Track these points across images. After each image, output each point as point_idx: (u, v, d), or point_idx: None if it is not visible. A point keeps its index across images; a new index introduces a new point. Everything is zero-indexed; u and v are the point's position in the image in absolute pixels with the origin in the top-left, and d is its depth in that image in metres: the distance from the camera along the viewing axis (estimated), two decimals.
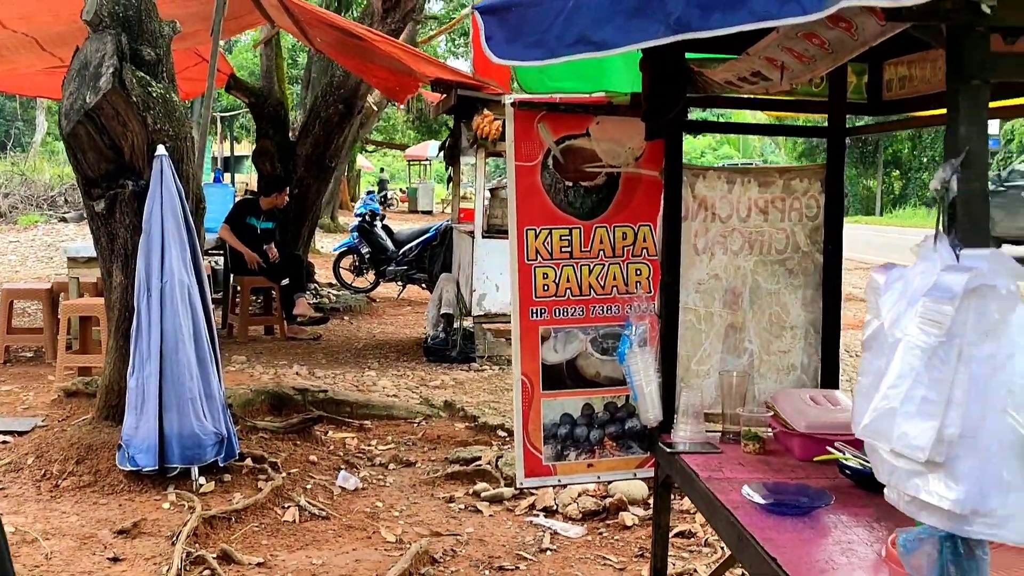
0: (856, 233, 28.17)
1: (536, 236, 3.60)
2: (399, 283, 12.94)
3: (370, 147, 40.89)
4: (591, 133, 3.59)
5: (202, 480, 5.69)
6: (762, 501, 2.81)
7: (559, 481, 3.72)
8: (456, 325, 9.16)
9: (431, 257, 11.58)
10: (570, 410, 3.67)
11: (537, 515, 5.76)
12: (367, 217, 13.32)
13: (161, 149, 5.70)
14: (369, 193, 15.84)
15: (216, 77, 10.85)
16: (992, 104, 2.82)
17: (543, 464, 3.65)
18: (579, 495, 5.98)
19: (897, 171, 47.06)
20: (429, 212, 33.08)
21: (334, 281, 13.75)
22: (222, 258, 10.44)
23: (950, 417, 1.59)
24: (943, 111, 3.44)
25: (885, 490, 1.78)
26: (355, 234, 13.51)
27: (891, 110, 3.58)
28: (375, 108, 18.26)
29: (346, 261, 13.83)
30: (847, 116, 3.62)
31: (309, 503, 5.66)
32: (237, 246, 9.84)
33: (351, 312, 11.94)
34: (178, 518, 5.23)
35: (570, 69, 3.46)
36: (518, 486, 3.73)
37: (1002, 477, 1.57)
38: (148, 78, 5.78)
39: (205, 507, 5.34)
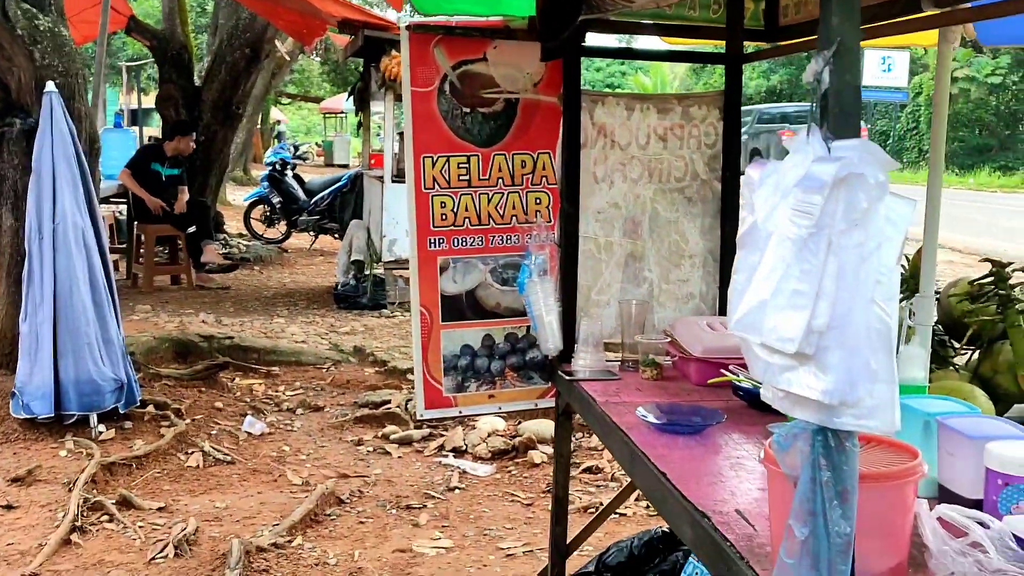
0: None
1: (433, 164, 3.53)
2: (311, 233, 12.75)
3: (285, 100, 40.10)
4: (489, 58, 3.52)
5: (102, 427, 5.56)
6: (655, 421, 2.82)
7: (460, 412, 3.69)
8: (367, 272, 9.06)
9: (342, 205, 11.41)
10: (470, 341, 3.63)
11: (446, 455, 5.75)
12: (277, 166, 13.06)
13: (50, 85, 5.47)
14: (280, 142, 15.51)
15: (115, 19, 10.49)
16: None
17: (443, 396, 3.61)
18: (488, 435, 5.99)
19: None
20: (345, 166, 32.66)
21: (245, 232, 13.48)
22: (126, 206, 10.15)
23: (819, 308, 1.58)
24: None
25: (761, 390, 1.78)
26: (265, 184, 13.25)
27: (788, 35, 3.57)
28: (287, 58, 17.89)
29: (257, 212, 13.56)
30: (744, 42, 3.61)
31: (214, 448, 5.57)
32: (138, 192, 9.55)
33: (262, 262, 11.74)
34: (76, 465, 5.10)
35: None
36: (418, 417, 3.69)
37: (869, 367, 1.57)
38: (34, 10, 5.54)
39: (104, 454, 5.22)
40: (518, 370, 3.69)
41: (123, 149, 10.55)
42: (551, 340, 3.47)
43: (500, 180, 3.59)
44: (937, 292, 3.65)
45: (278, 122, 36.59)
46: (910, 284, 3.53)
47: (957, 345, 3.60)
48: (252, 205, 13.63)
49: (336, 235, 11.99)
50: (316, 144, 40.74)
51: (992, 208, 21.75)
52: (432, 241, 3.56)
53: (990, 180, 31.07)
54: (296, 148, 19.18)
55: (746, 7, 3.59)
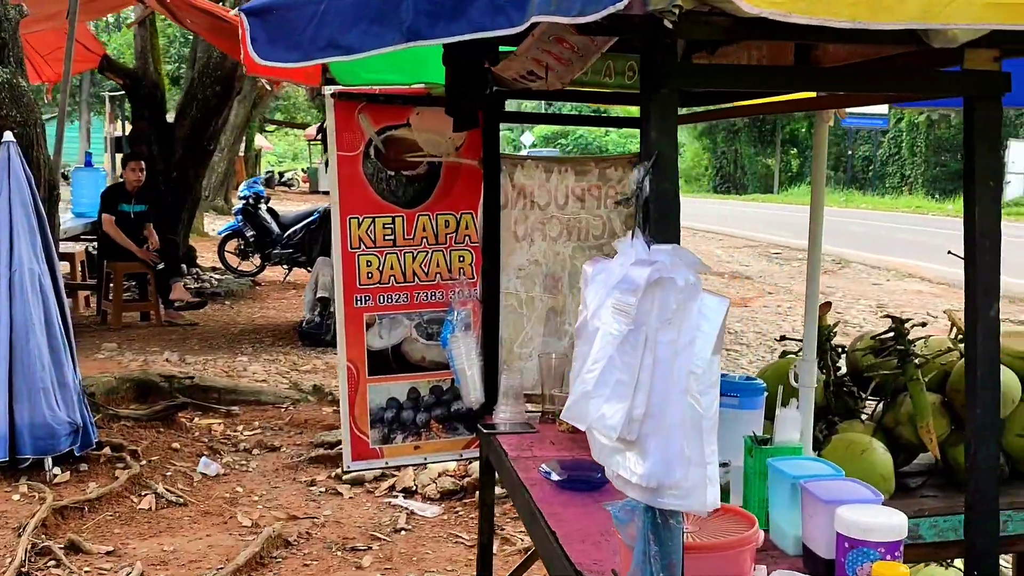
0: (753, 211, 28.92)
1: (359, 225, 3.68)
2: (284, 266, 12.87)
3: (270, 127, 40.28)
4: (412, 123, 3.68)
5: (57, 470, 5.66)
6: (556, 478, 2.94)
7: (386, 464, 3.83)
8: (332, 309, 9.17)
9: (311, 241, 11.55)
10: (396, 394, 3.76)
11: (396, 496, 5.86)
12: (251, 200, 13.20)
13: (8, 136, 5.61)
14: (254, 178, 15.67)
15: (88, 57, 10.65)
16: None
17: (370, 448, 3.74)
18: (439, 475, 6.10)
19: (795, 149, 48.21)
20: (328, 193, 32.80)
21: (219, 265, 13.60)
22: (97, 244, 10.27)
23: (638, 398, 1.72)
24: (745, 103, 3.63)
25: (605, 467, 1.92)
26: (239, 217, 13.38)
27: (698, 101, 3.74)
28: (269, 88, 18.05)
29: (231, 245, 13.69)
30: None
31: (167, 490, 5.67)
32: (124, 242, 9.66)
33: (233, 297, 11.85)
34: (28, 509, 5.20)
35: (387, 62, 3.53)
36: (344, 469, 3.83)
37: (684, 453, 1.71)
38: None
39: (57, 497, 5.32)
40: (443, 422, 3.82)
41: (93, 187, 10.69)
42: (473, 392, 3.61)
43: (424, 239, 3.74)
44: (843, 347, 3.80)
45: (261, 149, 36.70)
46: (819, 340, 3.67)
47: (864, 396, 3.74)
48: (226, 238, 13.75)
49: (308, 268, 12.11)
50: (302, 171, 40.92)
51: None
52: (358, 298, 3.71)
53: None
54: (280, 176, 19.32)
55: None
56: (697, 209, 28.82)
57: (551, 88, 2.63)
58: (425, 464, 5.48)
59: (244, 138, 27.79)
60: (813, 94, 2.99)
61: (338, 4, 2.07)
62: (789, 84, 2.29)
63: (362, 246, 3.69)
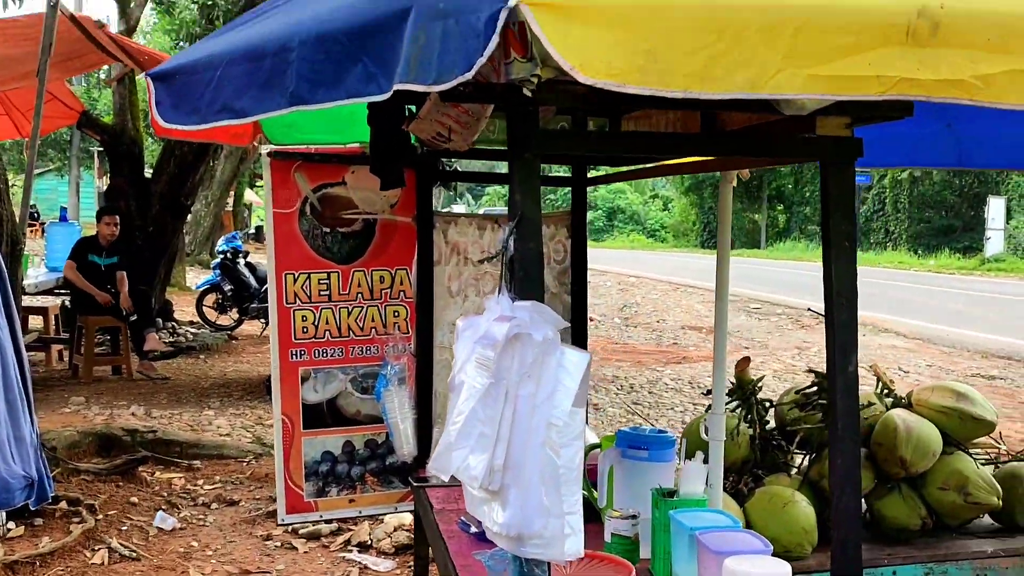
0: (738, 266, 29.08)
1: (295, 280, 3.75)
2: (261, 321, 12.92)
3: (260, 182, 40.58)
4: (347, 181, 3.77)
5: (11, 524, 5.65)
6: (474, 530, 2.99)
7: (321, 517, 3.86)
8: None
9: None
10: (331, 448, 3.81)
11: (351, 551, 5.86)
12: (229, 254, 13.29)
13: None
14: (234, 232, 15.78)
15: (67, 114, 10.79)
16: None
17: (304, 500, 3.78)
18: (395, 529, 6.10)
19: (781, 205, 48.56)
20: None
21: (197, 319, 13.65)
22: (70, 298, 10.32)
23: (499, 450, 1.79)
24: (672, 161, 3.73)
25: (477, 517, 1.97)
26: (217, 271, 13.46)
27: (629, 160, 3.84)
28: (256, 144, 18.17)
29: (209, 299, 13.75)
30: (588, 166, 3.87)
31: (121, 544, 5.66)
32: (83, 286, 9.74)
33: (208, 351, 11.88)
34: None
35: (321, 122, 3.63)
36: (279, 523, 3.85)
37: (543, 503, 1.77)
38: None
39: (9, 552, 5.30)
40: (378, 475, 3.87)
41: (68, 242, 10.76)
42: (405, 446, 3.66)
43: (359, 295, 3.82)
44: (771, 401, 3.86)
45: (251, 203, 36.93)
46: (738, 394, 3.74)
47: (791, 450, 3.80)
48: (204, 292, 13.82)
49: None
50: None
51: (946, 292, 22.13)
52: (294, 353, 3.77)
53: (950, 262, 31.56)
54: (259, 230, 19.30)
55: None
56: (683, 264, 29.00)
57: (461, 148, 2.72)
58: (361, 517, 5.50)
59: (233, 192, 27.98)
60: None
61: (231, 71, 2.16)
62: (647, 149, 2.39)
63: (297, 301, 3.76)
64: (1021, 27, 1.63)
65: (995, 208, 31.59)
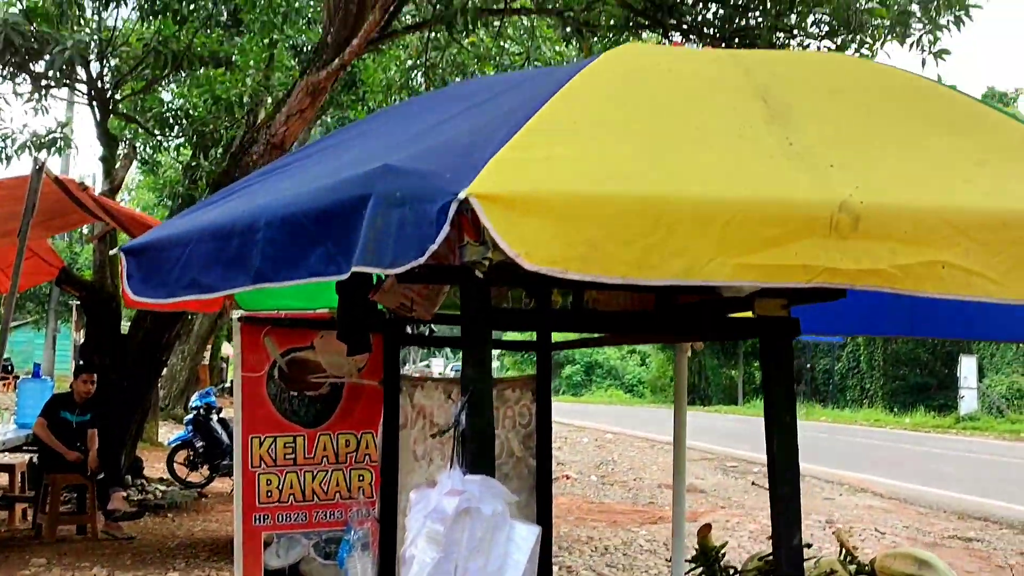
0: (715, 423, 29.03)
1: (261, 444, 3.78)
2: (233, 478, 12.73)
3: None
4: (316, 346, 3.84)
5: None
6: None
7: None
8: None
9: None
10: None
11: None
12: (202, 411, 13.19)
13: None
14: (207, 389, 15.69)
15: (46, 270, 10.90)
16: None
17: None
18: None
19: (757, 362, 48.84)
20: None
21: (167, 476, 13.43)
22: (37, 455, 10.17)
23: None
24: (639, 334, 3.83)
25: None
26: (189, 428, 13.32)
27: (591, 327, 3.93)
28: (230, 304, 18.30)
29: (181, 455, 13.55)
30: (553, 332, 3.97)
31: None
32: (53, 444, 9.62)
33: (177, 509, 11.65)
34: None
35: (291, 288, 3.72)
36: None
37: None
38: None
39: None
40: None
41: (40, 398, 10.68)
42: None
43: (325, 458, 3.84)
44: (736, 568, 3.86)
45: (228, 357, 36.81)
46: (700, 560, 3.74)
47: None
48: (176, 449, 13.64)
49: None
50: None
51: (922, 451, 22.13)
52: (257, 517, 3.76)
53: (926, 420, 31.65)
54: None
55: (555, 301, 3.96)
56: (660, 419, 28.92)
57: (425, 318, 2.81)
58: None
59: (210, 346, 27.93)
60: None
61: (200, 248, 2.27)
62: (600, 328, 2.49)
63: (263, 465, 3.78)
64: (934, 221, 1.75)
65: (967, 367, 31.90)
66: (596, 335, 3.86)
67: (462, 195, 1.68)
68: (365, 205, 1.87)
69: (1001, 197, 1.83)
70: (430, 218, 1.72)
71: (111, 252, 4.23)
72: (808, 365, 42.16)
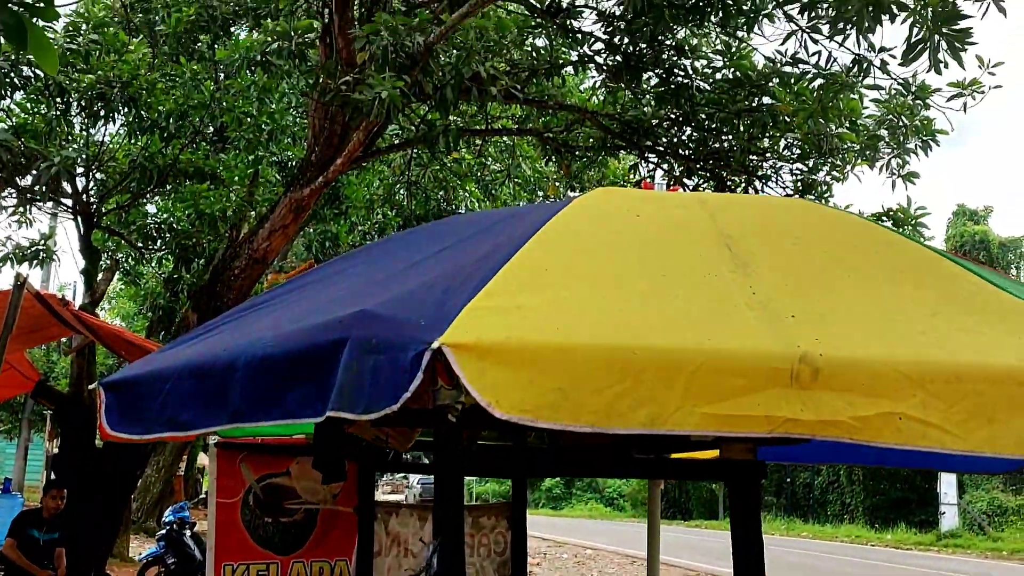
0: (695, 538, 28.69)
1: (233, 571, 3.74)
2: None
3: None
4: (292, 472, 3.84)
5: None
6: None
7: None
8: None
9: None
10: None
11: None
12: (175, 526, 12.94)
13: None
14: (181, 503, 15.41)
15: (22, 383, 10.83)
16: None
17: None
18: None
19: None
20: None
21: None
22: (4, 573, 9.94)
23: None
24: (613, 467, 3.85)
25: None
26: (162, 544, 13.05)
27: (565, 469, 3.94)
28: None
29: (151, 572, 13.25)
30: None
31: None
32: (24, 565, 9.41)
33: None
34: None
35: None
36: None
37: None
38: None
39: None
40: None
41: (8, 514, 10.51)
42: None
43: None
44: None
45: (204, 467, 36.25)
46: None
47: None
48: (147, 565, 13.33)
49: None
50: None
51: (905, 570, 21.89)
52: None
53: (907, 536, 31.34)
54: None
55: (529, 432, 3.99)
56: (641, 535, 28.54)
57: (401, 450, 2.84)
58: None
59: (186, 457, 27.53)
60: None
61: (179, 386, 2.30)
62: (573, 472, 2.51)
63: None
64: (891, 373, 1.82)
65: (947, 482, 31.76)
66: (571, 465, 3.87)
67: (435, 344, 1.74)
68: (341, 350, 1.92)
69: (954, 349, 1.90)
70: (404, 366, 1.77)
71: (90, 386, 4.24)
72: (788, 479, 41.91)
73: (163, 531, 13.31)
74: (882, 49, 7.27)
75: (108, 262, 14.17)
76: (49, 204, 13.39)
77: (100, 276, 12.73)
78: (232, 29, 11.41)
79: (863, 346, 1.88)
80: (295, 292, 2.64)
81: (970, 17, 6.26)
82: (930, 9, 6.34)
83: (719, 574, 19.56)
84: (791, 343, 1.84)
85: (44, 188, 10.84)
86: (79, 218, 12.12)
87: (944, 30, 6.30)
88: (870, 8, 6.29)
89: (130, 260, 15.18)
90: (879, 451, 4.12)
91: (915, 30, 6.46)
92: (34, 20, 2.62)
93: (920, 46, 6.43)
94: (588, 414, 1.75)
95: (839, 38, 7.24)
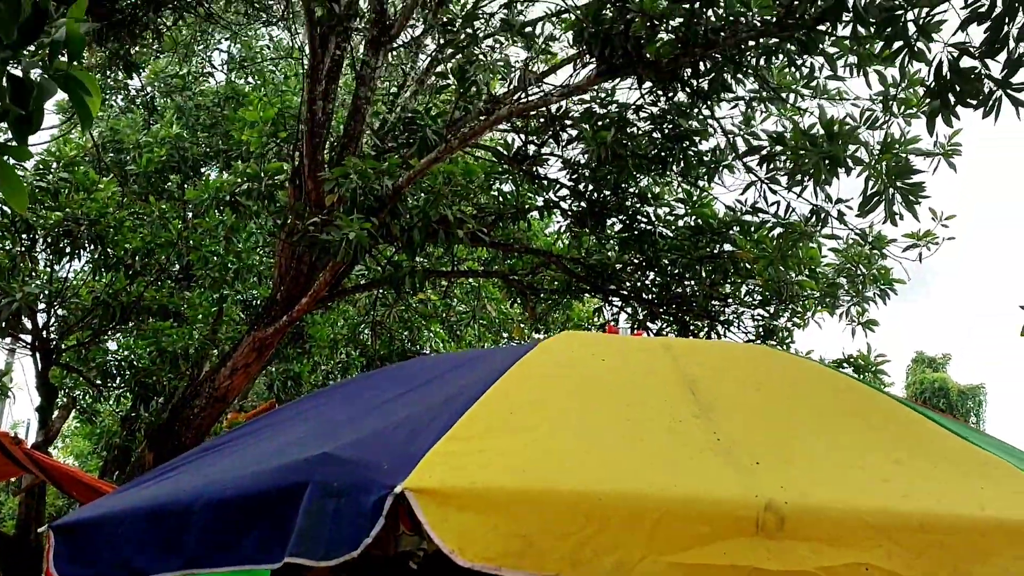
0: None
1: None
2: None
3: None
4: None
5: None
6: None
7: None
8: None
9: None
10: None
11: None
12: None
13: None
14: None
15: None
16: None
17: None
18: None
19: None
20: None
21: None
22: None
23: None
24: None
25: None
26: None
27: None
28: None
29: None
30: None
31: None
32: None
33: None
34: None
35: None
36: None
37: None
38: None
39: None
40: None
41: None
42: None
43: None
44: None
45: None
46: None
47: None
48: None
49: None
50: None
51: None
52: None
53: None
54: None
55: None
56: None
57: None
58: None
59: None
60: None
61: (133, 528, 2.24)
62: None
63: None
64: (856, 523, 1.81)
65: None
66: None
67: (398, 489, 1.71)
68: (302, 493, 1.89)
69: (917, 498, 1.90)
70: (365, 510, 1.74)
71: (39, 529, 4.10)
72: None
73: None
74: (839, 200, 7.49)
75: (64, 399, 13.92)
76: (7, 340, 13.23)
77: (56, 414, 12.48)
78: (203, 170, 11.58)
79: (828, 495, 1.87)
80: (255, 434, 2.59)
81: (922, 172, 6.50)
82: (884, 163, 6.58)
83: None
84: (756, 490, 1.83)
85: (3, 324, 10.72)
86: (37, 354, 11.95)
87: (898, 183, 6.53)
88: (826, 161, 6.51)
89: (87, 398, 14.92)
90: None
91: (870, 183, 6.69)
92: (6, 158, 2.64)
93: (875, 198, 6.64)
94: (553, 561, 1.72)
95: (797, 189, 7.46)
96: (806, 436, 2.15)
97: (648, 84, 7.36)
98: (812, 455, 2.04)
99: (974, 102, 4.68)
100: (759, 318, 9.84)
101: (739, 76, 7.24)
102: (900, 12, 4.59)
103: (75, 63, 2.49)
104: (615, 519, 1.76)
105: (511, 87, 7.81)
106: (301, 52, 11.20)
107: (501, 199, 9.73)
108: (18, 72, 2.50)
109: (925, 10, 4.63)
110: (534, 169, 8.99)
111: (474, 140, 8.21)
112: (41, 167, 10.08)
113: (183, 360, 12.42)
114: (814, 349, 14.36)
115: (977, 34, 4.46)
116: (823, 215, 7.70)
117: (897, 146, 6.69)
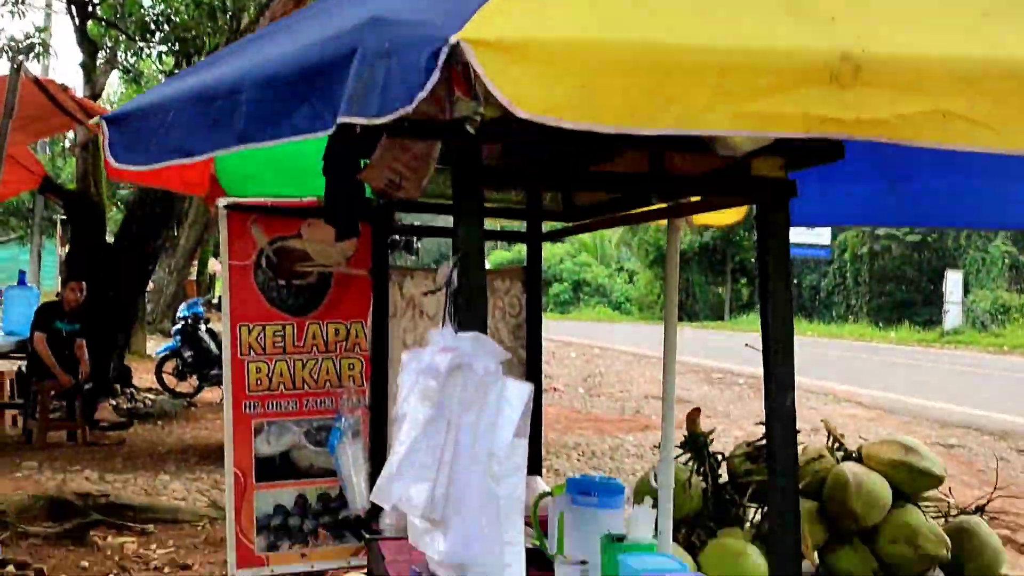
0: (702, 338, 29.32)
1: (249, 332, 3.76)
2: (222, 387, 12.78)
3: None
4: (303, 234, 3.81)
5: None
6: None
7: (271, 571, 3.81)
8: None
9: None
10: (284, 501, 3.79)
11: None
12: (190, 321, 13.19)
13: None
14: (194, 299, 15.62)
15: (28, 178, 10.77)
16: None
17: (255, 554, 3.74)
18: None
19: (744, 279, 49.02)
20: None
21: (156, 386, 13.48)
22: (26, 363, 10.19)
23: (441, 479, 1.80)
24: (629, 212, 3.79)
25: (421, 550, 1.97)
26: (178, 338, 13.33)
27: (582, 215, 3.89)
28: (218, 208, 18.18)
29: (169, 365, 13.59)
30: (543, 221, 3.94)
31: None
32: (49, 362, 9.61)
33: (166, 417, 11.73)
34: None
35: (278, 175, 3.68)
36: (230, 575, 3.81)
37: (482, 531, 1.79)
38: None
39: None
40: (331, 529, 3.84)
41: (26, 306, 10.67)
42: (359, 499, 3.63)
43: (314, 347, 3.83)
44: (723, 453, 3.89)
45: (215, 272, 36.71)
46: (689, 446, 3.77)
47: (743, 503, 3.82)
48: (164, 359, 13.67)
49: None
50: None
51: (906, 364, 22.37)
52: (247, 405, 3.76)
53: (910, 335, 31.93)
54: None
55: (544, 194, 3.92)
56: (648, 335, 29.13)
57: (413, 196, 2.77)
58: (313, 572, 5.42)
59: (196, 261, 27.83)
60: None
61: (183, 113, 2.21)
62: (591, 187, 2.44)
63: (252, 353, 3.77)
64: (935, 69, 1.71)
65: (952, 282, 32.10)
66: (587, 220, 3.82)
67: (453, 39, 1.63)
68: (352, 59, 1.82)
69: (1004, 48, 1.78)
70: (419, 66, 1.67)
71: (91, 120, 4.11)
72: (796, 281, 42.40)
73: (178, 326, 13.58)
74: None
75: (107, 56, 13.85)
76: None
77: (99, 71, 12.48)
78: None
79: (909, 45, 1.77)
80: (304, 20, 2.50)
81: None
82: None
83: (724, 368, 20.04)
84: (832, 42, 1.72)
85: None
86: (73, 8, 11.77)
87: None
88: None
89: (129, 55, 14.83)
90: (915, 208, 4.03)
91: None
92: None
93: None
94: (614, 113, 1.66)
95: None
96: None
97: None
98: (894, 11, 1.91)
99: None
100: None
101: None
102: None
103: None
104: (679, 70, 1.68)
105: None
106: None
107: None
108: None
109: None
110: None
111: None
112: None
113: (220, 13, 12.16)
114: None
115: None
116: None
117: None
